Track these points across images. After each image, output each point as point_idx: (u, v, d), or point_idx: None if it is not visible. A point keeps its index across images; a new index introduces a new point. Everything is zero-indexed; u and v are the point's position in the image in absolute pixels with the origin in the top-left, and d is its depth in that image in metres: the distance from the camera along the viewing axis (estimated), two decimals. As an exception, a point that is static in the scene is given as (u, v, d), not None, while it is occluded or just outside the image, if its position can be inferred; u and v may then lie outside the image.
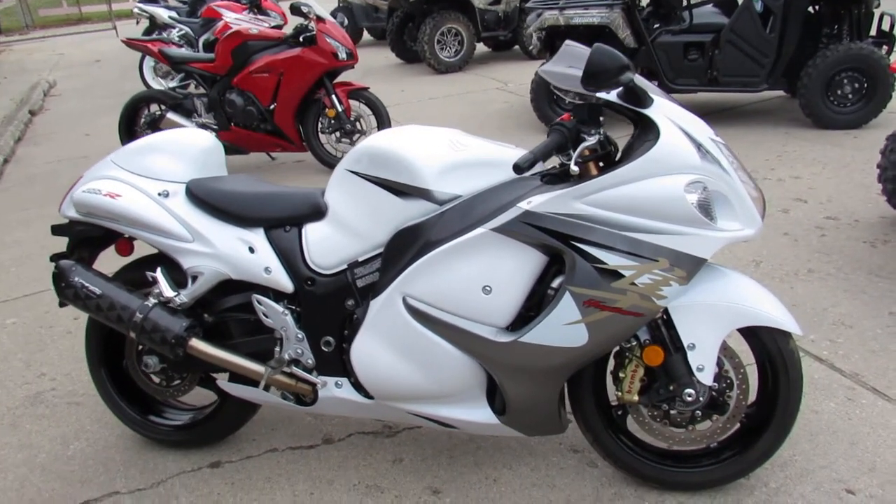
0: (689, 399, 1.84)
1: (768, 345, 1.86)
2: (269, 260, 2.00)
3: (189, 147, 2.14)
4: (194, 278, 2.05)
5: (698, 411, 1.90)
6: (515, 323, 1.82)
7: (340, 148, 5.15)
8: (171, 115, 5.16)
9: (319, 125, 5.13)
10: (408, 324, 1.83)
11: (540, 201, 1.70)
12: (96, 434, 2.47)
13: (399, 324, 1.84)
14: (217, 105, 5.11)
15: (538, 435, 1.98)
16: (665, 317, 1.84)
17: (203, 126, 5.17)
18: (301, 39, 4.85)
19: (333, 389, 2.01)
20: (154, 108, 5.40)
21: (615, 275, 1.69)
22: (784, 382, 1.87)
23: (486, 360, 1.82)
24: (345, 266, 1.96)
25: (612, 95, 1.69)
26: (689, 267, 1.70)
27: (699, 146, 1.70)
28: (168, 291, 2.04)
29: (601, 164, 1.78)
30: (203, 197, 2.05)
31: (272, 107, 4.99)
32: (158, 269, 2.07)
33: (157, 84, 8.34)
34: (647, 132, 1.72)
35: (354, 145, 5.20)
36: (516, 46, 9.49)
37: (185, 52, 5.34)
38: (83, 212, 2.13)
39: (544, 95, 5.61)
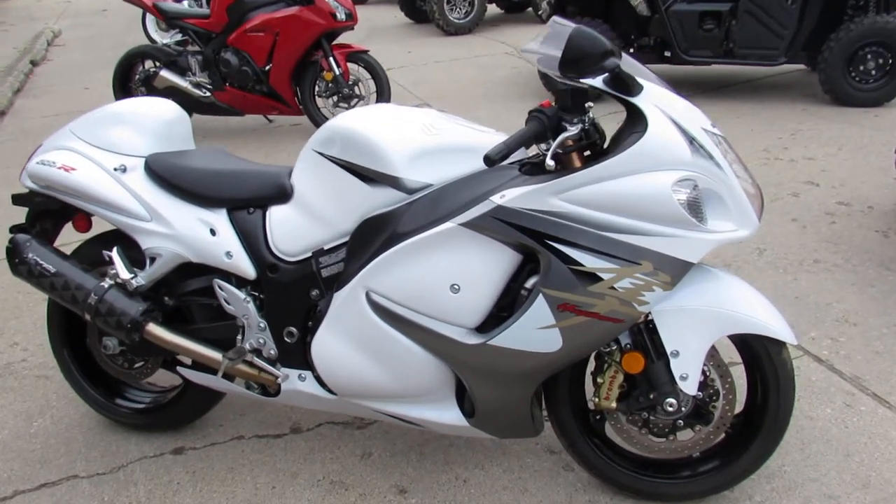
0: (671, 409, 1.72)
1: (759, 354, 1.73)
2: (231, 244, 1.88)
3: (149, 118, 2.01)
4: (152, 260, 1.94)
5: (680, 420, 1.79)
6: (486, 324, 1.70)
7: (337, 113, 4.96)
8: (164, 73, 5.01)
9: (316, 88, 4.96)
10: (371, 321, 1.71)
11: (513, 196, 1.56)
12: (61, 411, 2.40)
13: (361, 320, 1.72)
14: (212, 64, 4.94)
15: (511, 437, 1.88)
16: (648, 321, 1.71)
17: (197, 85, 5.02)
18: (297, -3, 4.66)
19: (296, 382, 1.91)
20: (149, 64, 5.24)
21: (593, 278, 1.56)
22: (774, 394, 1.74)
23: (454, 362, 1.70)
24: (310, 253, 1.84)
25: (597, 81, 1.54)
26: (675, 271, 1.56)
27: (691, 139, 1.55)
28: (124, 273, 1.93)
29: (588, 153, 1.63)
30: (162, 173, 1.92)
31: (268, 68, 4.82)
32: (115, 249, 1.96)
33: (161, 38, 8.14)
34: (635, 122, 1.57)
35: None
36: (529, 9, 9.18)
37: (179, 6, 5.15)
38: (40, 184, 2.01)
39: (552, 63, 5.38)
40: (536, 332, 1.61)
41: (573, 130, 1.55)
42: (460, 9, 8.41)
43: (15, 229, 2.12)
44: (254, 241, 1.88)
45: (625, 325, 1.61)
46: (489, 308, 1.68)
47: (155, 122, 2.02)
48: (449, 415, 1.82)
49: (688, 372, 1.68)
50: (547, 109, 1.58)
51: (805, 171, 4.02)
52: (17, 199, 2.13)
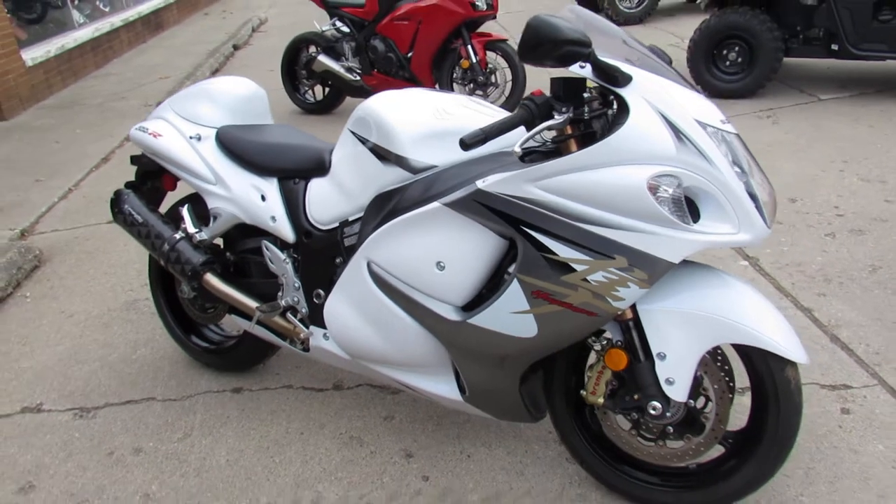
0: (654, 413, 1.67)
1: (759, 369, 1.62)
2: (276, 209, 2.10)
3: (226, 94, 2.28)
4: (215, 218, 2.21)
5: (669, 427, 1.72)
6: (474, 303, 1.75)
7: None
8: (321, 58, 5.45)
9: (454, 75, 5.13)
10: (370, 289, 1.83)
11: (493, 180, 1.60)
12: (160, 344, 2.79)
13: (363, 288, 1.85)
14: (362, 50, 5.29)
15: (509, 420, 1.92)
16: (637, 319, 1.66)
17: (349, 70, 5.40)
18: (439, -13, 4.83)
19: (322, 340, 2.09)
20: (312, 49, 5.72)
21: (566, 268, 1.56)
22: (773, 415, 1.62)
23: (441, 337, 1.78)
24: (337, 224, 2.00)
25: (586, 70, 1.52)
26: (652, 269, 1.51)
27: (679, 134, 1.48)
28: (191, 227, 2.23)
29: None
30: (227, 143, 2.19)
31: (410, 54, 5.07)
32: (186, 206, 2.26)
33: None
34: (622, 114, 1.53)
35: (488, 97, 5.15)
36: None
37: (339, -4, 5.55)
38: (139, 147, 2.37)
39: (702, 55, 5.10)
40: (512, 316, 1.64)
41: (558, 120, 1.55)
42: (632, -3, 8.15)
43: (127, 185, 2.51)
44: (294, 209, 2.08)
45: (600, 320, 1.59)
46: (475, 288, 1.73)
47: (232, 98, 2.28)
48: (445, 388, 1.90)
49: (674, 377, 1.63)
50: (537, 98, 1.59)
51: (973, 187, 3.49)
52: (133, 160, 2.52)
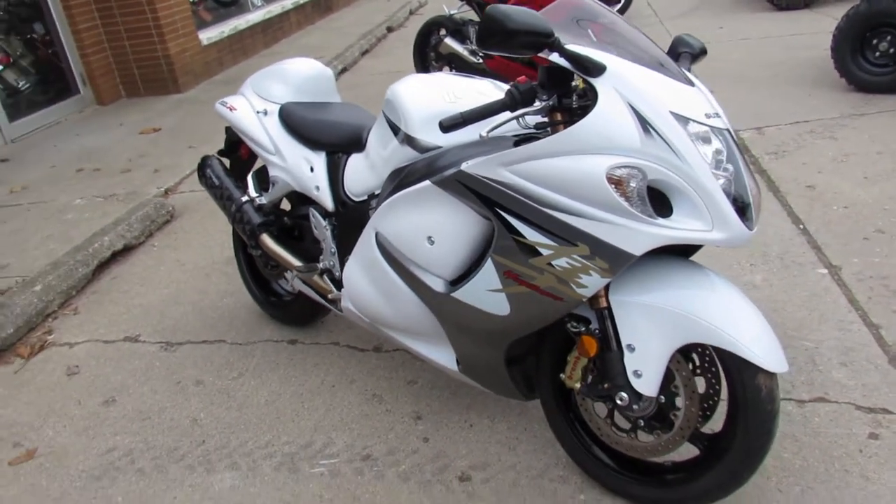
0: (621, 403, 1.68)
1: (732, 373, 1.58)
2: (320, 180, 2.30)
3: (292, 74, 2.51)
4: (273, 185, 2.47)
5: (641, 420, 1.72)
6: (462, 278, 1.84)
7: (589, 86, 5.06)
8: (447, 41, 5.63)
9: (571, 60, 5.08)
10: (376, 257, 1.98)
11: (473, 163, 1.67)
12: (244, 295, 3.13)
13: (371, 256, 2.00)
14: (485, 34, 5.39)
15: (502, 395, 2.00)
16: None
17: (473, 53, 5.53)
18: (558, -28, 4.80)
19: (348, 302, 2.28)
20: (443, 32, 5.92)
21: (533, 251, 1.61)
22: (741, 421, 1.57)
23: (431, 307, 1.89)
24: (366, 196, 2.17)
25: (563, 59, 1.55)
26: (613, 259, 1.52)
27: (647, 125, 1.47)
28: (252, 192, 2.50)
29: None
30: (286, 119, 2.42)
31: (528, 39, 5.10)
32: (251, 173, 2.53)
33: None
34: (594, 103, 1.54)
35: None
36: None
37: (466, -19, 5.67)
38: (222, 118, 2.67)
39: (847, 45, 4.65)
40: (487, 293, 1.72)
41: (535, 107, 1.60)
42: (800, -19, 7.50)
43: (219, 152, 2.84)
44: (335, 181, 2.27)
45: (566, 305, 1.62)
46: (461, 264, 1.82)
47: (297, 77, 2.51)
48: (443, 357, 2.01)
49: (643, 370, 1.63)
50: (521, 85, 1.64)
51: None
52: (226, 130, 2.84)
